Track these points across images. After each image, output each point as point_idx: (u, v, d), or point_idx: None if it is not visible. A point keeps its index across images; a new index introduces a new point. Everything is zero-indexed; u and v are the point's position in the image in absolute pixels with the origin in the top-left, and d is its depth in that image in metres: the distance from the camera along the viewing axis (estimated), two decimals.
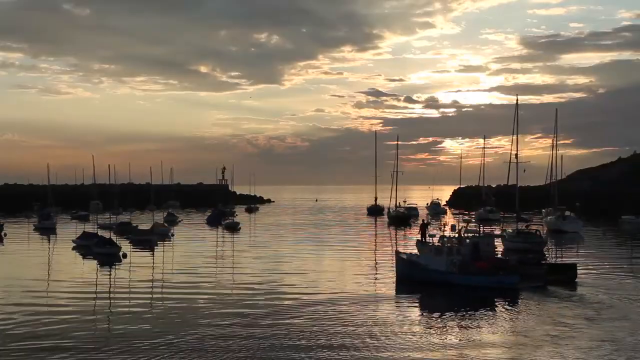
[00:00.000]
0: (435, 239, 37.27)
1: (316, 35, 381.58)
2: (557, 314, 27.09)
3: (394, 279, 36.78)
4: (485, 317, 26.99)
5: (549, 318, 26.44)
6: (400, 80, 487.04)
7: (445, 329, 24.67)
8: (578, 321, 25.67)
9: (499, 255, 40.37)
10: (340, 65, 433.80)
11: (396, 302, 30.76)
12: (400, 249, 42.50)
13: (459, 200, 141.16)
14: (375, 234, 73.00)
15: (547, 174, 78.94)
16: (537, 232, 54.56)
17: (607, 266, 43.24)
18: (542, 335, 23.35)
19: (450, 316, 27.19)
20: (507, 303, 29.96)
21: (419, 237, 44.74)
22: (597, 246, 59.37)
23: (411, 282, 35.06)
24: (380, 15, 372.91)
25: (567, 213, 74.70)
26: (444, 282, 34.22)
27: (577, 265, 38.02)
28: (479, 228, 40.01)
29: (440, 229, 39.77)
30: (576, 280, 35.07)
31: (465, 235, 37.30)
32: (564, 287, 32.99)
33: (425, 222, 48.38)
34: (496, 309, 28.96)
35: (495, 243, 38.55)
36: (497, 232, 54.98)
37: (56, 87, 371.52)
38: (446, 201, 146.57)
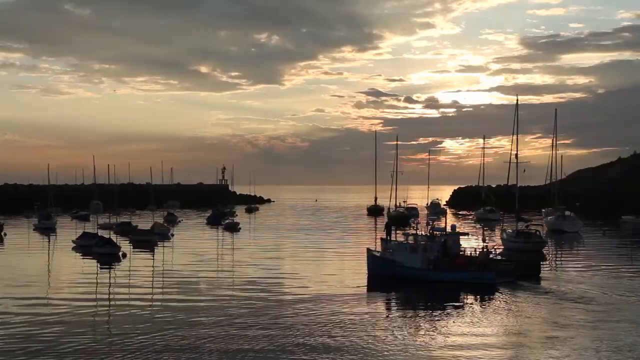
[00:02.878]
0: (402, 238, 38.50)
1: (316, 36, 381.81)
2: (527, 304, 29.63)
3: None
4: (472, 310, 27.97)
5: (518, 306, 28.92)
6: (400, 80, 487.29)
7: (417, 323, 25.71)
8: (542, 309, 28.42)
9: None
10: (340, 66, 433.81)
11: (368, 300, 31.34)
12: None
13: (460, 200, 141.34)
14: (375, 234, 72.94)
15: (547, 174, 79.11)
16: (537, 232, 54.63)
17: (575, 262, 46.13)
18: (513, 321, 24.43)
19: (424, 312, 28.21)
20: (488, 297, 31.18)
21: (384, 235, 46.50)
22: (578, 244, 60.34)
23: (386, 279, 35.91)
24: (380, 16, 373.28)
25: (567, 213, 74.68)
26: (421, 278, 35.16)
27: (540, 262, 40.52)
28: (445, 225, 40.88)
29: (413, 227, 40.72)
30: (540, 275, 37.13)
31: (437, 233, 38.22)
32: (530, 281, 35.06)
33: (390, 222, 50.13)
34: (481, 302, 30.44)
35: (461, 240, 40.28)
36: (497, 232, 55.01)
37: (57, 87, 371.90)
38: (446, 201, 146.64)
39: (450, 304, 29.73)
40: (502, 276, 34.69)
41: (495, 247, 42.27)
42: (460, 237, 40.10)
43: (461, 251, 38.20)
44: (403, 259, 36.63)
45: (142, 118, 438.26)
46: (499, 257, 38.99)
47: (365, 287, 35.02)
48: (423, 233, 38.82)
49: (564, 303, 29.84)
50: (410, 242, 37.67)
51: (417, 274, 35.54)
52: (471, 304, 30.15)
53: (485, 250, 38.16)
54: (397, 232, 46.84)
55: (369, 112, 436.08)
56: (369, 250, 40.42)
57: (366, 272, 38.63)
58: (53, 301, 30.77)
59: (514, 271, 35.67)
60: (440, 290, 32.97)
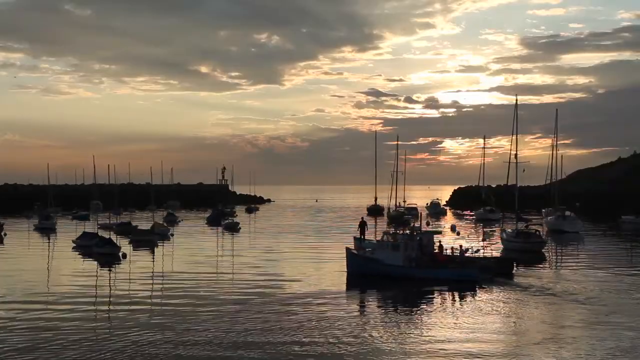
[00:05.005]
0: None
1: (316, 36, 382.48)
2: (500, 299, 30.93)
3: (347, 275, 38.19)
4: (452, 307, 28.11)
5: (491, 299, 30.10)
6: (400, 80, 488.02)
7: (405, 322, 25.92)
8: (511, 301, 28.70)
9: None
10: (340, 66, 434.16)
11: (347, 298, 31.88)
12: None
13: (460, 200, 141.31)
14: (375, 235, 72.87)
15: (547, 174, 79.09)
16: (537, 232, 54.64)
17: (574, 261, 46.89)
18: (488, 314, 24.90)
19: (411, 310, 28.69)
20: (471, 294, 31.87)
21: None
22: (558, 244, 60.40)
23: (366, 277, 36.45)
24: (380, 16, 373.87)
25: (567, 213, 74.68)
26: (403, 276, 35.77)
27: (513, 259, 41.05)
28: (420, 224, 41.81)
29: (393, 226, 41.26)
30: (513, 272, 38.08)
31: (415, 232, 38.89)
32: (505, 278, 35.95)
33: (364, 220, 51.06)
34: (465, 299, 31.07)
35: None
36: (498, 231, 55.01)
37: (57, 87, 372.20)
38: (446, 201, 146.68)
39: (434, 301, 30.58)
40: (481, 273, 35.57)
41: (472, 245, 42.48)
42: (434, 235, 40.86)
43: (434, 249, 38.90)
44: (385, 257, 37.22)
45: (142, 118, 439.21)
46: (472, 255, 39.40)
47: (345, 286, 35.52)
48: (400, 232, 39.57)
49: (547, 300, 30.46)
50: (390, 240, 38.27)
51: (400, 272, 36.21)
52: (455, 301, 30.73)
53: (441, 245, 38.88)
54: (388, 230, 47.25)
55: (369, 112, 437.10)
56: (348, 249, 40.87)
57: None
58: (53, 301, 30.78)
59: (493, 268, 36.42)
60: (423, 288, 33.43)
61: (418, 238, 37.86)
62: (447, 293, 32.34)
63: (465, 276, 35.00)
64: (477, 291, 32.63)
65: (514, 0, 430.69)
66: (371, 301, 31.86)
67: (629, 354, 20.88)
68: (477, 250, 40.14)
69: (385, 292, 33.47)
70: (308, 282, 35.78)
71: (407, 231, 39.48)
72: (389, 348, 21.67)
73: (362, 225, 49.52)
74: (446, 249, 39.40)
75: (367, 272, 37.18)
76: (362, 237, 47.79)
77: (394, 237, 38.43)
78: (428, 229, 39.97)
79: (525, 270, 40.10)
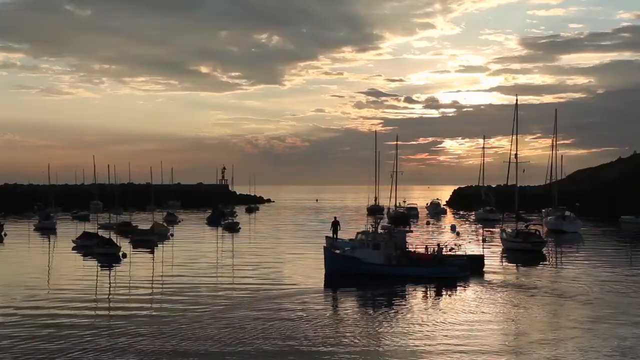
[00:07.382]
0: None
1: (316, 36, 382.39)
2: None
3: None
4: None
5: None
6: (400, 80, 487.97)
7: (392, 321, 25.68)
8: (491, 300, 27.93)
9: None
10: (340, 66, 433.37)
11: (326, 296, 32.50)
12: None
13: (460, 200, 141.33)
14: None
15: (547, 174, 79.16)
16: (537, 232, 54.69)
17: (573, 261, 47.47)
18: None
19: (397, 308, 28.69)
20: (453, 291, 32.82)
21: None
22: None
23: (347, 276, 36.53)
24: (380, 16, 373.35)
25: (567, 213, 74.71)
26: (384, 274, 36.23)
27: (484, 256, 42.46)
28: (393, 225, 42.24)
29: (372, 225, 41.66)
30: (484, 269, 39.30)
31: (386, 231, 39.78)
32: (477, 274, 37.28)
33: (337, 220, 51.46)
34: (449, 296, 31.79)
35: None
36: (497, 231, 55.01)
37: (57, 87, 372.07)
38: (446, 201, 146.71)
39: (416, 298, 31.21)
40: (462, 271, 36.34)
41: (447, 243, 42.76)
42: (406, 234, 41.69)
43: (407, 248, 39.54)
44: (365, 256, 37.46)
45: (142, 118, 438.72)
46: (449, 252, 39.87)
47: (324, 285, 35.76)
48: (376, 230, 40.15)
49: (526, 297, 31.03)
50: (367, 239, 38.61)
51: (381, 270, 36.63)
52: (436, 298, 31.43)
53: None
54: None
55: (369, 112, 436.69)
56: (326, 248, 41.14)
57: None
58: (53, 301, 30.77)
59: (469, 265, 37.16)
60: (404, 286, 33.93)
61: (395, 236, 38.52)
62: (427, 290, 32.99)
63: (446, 274, 35.78)
64: (457, 288, 33.44)
65: (514, 0, 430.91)
66: (360, 299, 31.89)
67: (628, 355, 20.86)
68: (452, 249, 40.46)
69: (367, 291, 33.62)
70: (301, 282, 35.81)
71: (382, 230, 40.07)
72: (375, 345, 21.70)
73: (335, 225, 49.65)
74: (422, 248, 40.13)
75: (347, 271, 37.26)
76: (335, 236, 47.97)
77: (373, 236, 38.75)
78: (401, 229, 40.94)
79: (496, 268, 41.28)
